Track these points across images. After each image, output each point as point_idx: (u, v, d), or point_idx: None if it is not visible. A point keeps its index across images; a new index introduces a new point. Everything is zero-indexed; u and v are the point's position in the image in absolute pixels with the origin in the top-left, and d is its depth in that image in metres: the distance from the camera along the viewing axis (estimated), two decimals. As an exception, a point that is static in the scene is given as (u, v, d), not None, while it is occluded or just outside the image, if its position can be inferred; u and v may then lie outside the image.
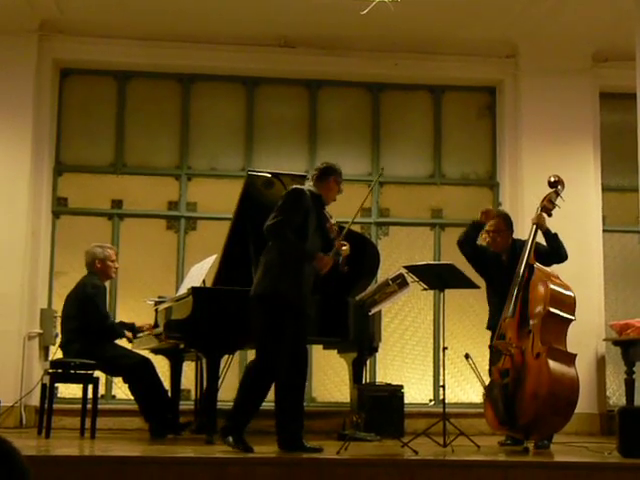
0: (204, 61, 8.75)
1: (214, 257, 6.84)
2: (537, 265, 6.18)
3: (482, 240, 6.76)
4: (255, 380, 5.60)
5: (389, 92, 9.13)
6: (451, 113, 9.16)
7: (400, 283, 6.07)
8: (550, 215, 6.45)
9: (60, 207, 8.66)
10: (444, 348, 6.20)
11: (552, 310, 5.96)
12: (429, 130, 9.13)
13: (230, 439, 5.45)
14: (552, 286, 6.04)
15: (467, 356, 5.96)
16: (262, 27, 8.51)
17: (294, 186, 5.84)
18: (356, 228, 8.13)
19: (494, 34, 8.63)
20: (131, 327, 7.16)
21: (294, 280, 5.57)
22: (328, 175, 5.82)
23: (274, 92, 9.05)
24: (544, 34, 8.50)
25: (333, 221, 5.84)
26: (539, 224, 6.38)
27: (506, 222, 6.69)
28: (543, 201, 6.47)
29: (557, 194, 6.48)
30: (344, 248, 5.70)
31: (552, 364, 5.83)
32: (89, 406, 6.68)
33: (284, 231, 5.54)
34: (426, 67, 8.90)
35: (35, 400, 7.64)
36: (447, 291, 6.36)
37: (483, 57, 8.90)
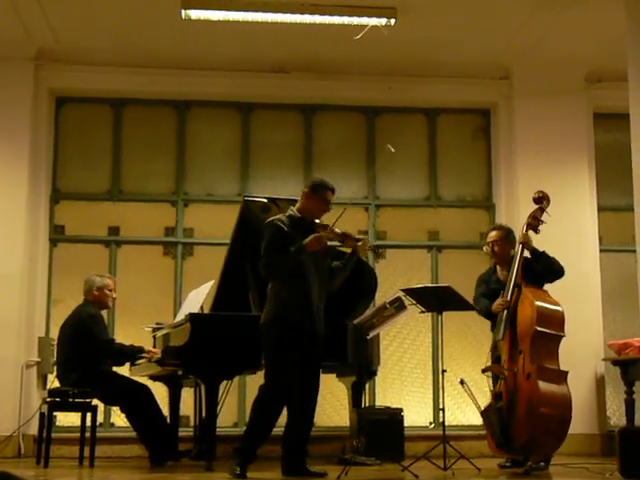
0: (199, 87, 8.78)
1: (212, 283, 6.84)
2: (524, 284, 6.18)
3: (484, 251, 6.79)
4: (260, 405, 5.64)
5: (384, 116, 9.17)
6: (446, 135, 9.19)
7: (398, 306, 6.08)
8: (537, 232, 6.42)
9: (57, 235, 8.66)
10: (443, 371, 6.19)
11: (539, 329, 5.96)
12: (424, 153, 9.16)
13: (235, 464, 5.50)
14: (538, 304, 6.04)
15: (462, 382, 5.95)
16: (256, 53, 8.55)
17: (269, 220, 5.84)
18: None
19: (487, 57, 8.67)
20: (140, 350, 7.09)
21: (301, 307, 5.61)
22: (311, 192, 5.87)
23: (269, 117, 9.07)
24: (537, 56, 8.54)
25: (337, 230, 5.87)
26: (525, 243, 6.35)
27: (506, 234, 6.66)
28: (528, 218, 6.46)
29: (542, 210, 6.46)
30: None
31: (542, 385, 5.83)
32: (88, 434, 6.67)
33: (274, 266, 5.63)
34: (420, 90, 8.94)
35: (33, 429, 7.61)
36: (445, 313, 6.36)
37: (477, 79, 8.93)
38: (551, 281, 6.46)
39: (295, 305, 5.61)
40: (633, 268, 8.90)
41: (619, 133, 8.87)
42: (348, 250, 6.03)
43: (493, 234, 6.70)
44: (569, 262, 6.76)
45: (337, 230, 5.83)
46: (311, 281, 5.68)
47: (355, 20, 7.66)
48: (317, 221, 5.85)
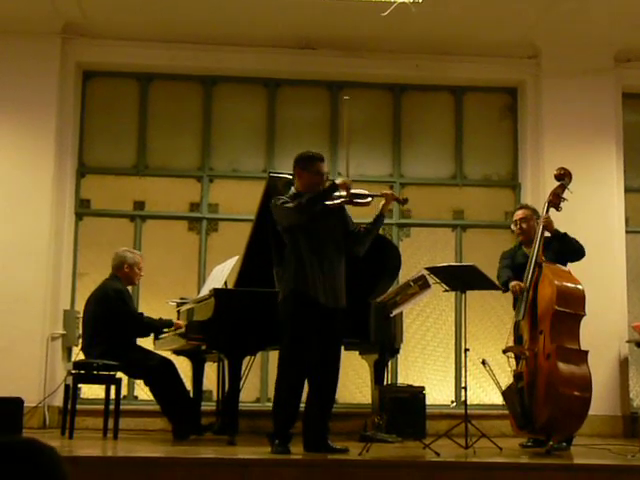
0: (226, 63, 8.77)
1: (236, 258, 6.86)
2: (545, 263, 6.16)
3: (512, 229, 6.79)
4: (279, 382, 5.66)
5: (410, 93, 9.12)
6: (472, 114, 9.14)
7: (422, 285, 6.05)
8: (558, 209, 6.37)
9: (83, 209, 8.71)
10: (466, 349, 6.19)
11: (559, 309, 5.94)
12: (450, 131, 9.12)
13: (273, 442, 5.55)
14: (558, 283, 6.00)
15: (484, 362, 5.95)
16: (283, 29, 8.53)
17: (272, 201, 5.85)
18: (377, 229, 8.12)
19: (515, 35, 8.60)
20: (169, 323, 7.11)
21: (311, 281, 5.61)
22: (301, 169, 5.83)
23: (295, 94, 9.06)
24: (566, 35, 8.46)
25: (344, 195, 5.80)
26: (546, 225, 6.31)
27: (533, 212, 6.66)
28: (550, 195, 6.41)
29: (564, 187, 6.39)
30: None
31: (562, 365, 5.83)
32: (112, 407, 6.72)
33: (298, 207, 5.58)
34: (447, 68, 8.88)
35: (58, 401, 7.70)
36: (468, 292, 6.35)
37: (504, 58, 8.87)
38: (573, 260, 6.44)
39: (304, 280, 5.60)
40: (659, 250, 8.88)
41: (648, 114, 8.80)
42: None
43: (520, 212, 6.69)
44: (595, 243, 6.74)
45: (354, 191, 5.78)
46: (323, 254, 5.67)
47: (383, -3, 7.62)
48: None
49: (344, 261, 5.80)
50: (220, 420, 7.31)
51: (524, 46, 8.82)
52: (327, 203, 5.73)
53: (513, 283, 6.35)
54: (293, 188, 5.90)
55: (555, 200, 6.36)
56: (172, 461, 5.29)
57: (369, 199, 5.82)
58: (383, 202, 5.93)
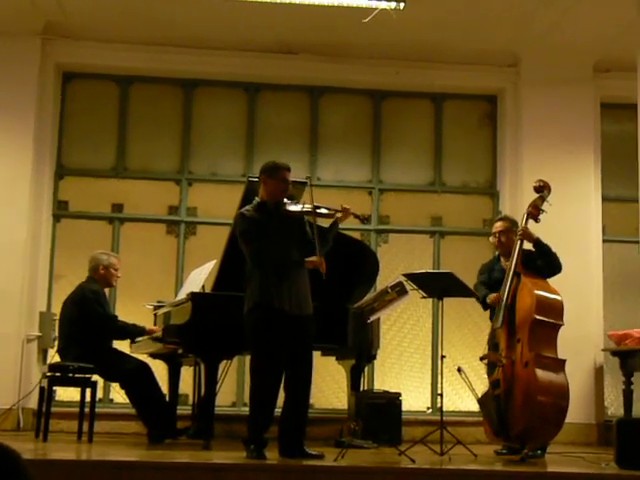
0: (206, 66, 8.76)
1: (214, 262, 6.85)
2: (524, 272, 6.18)
3: (490, 242, 6.79)
4: (251, 390, 5.66)
5: (390, 100, 9.14)
6: (452, 121, 9.17)
7: (399, 291, 6.07)
8: (537, 221, 6.38)
9: (61, 210, 8.66)
10: (442, 356, 6.20)
11: (538, 317, 5.97)
12: (430, 138, 9.14)
13: (248, 447, 5.54)
14: (537, 292, 6.03)
15: (459, 370, 5.95)
16: (264, 33, 8.53)
17: (238, 213, 5.88)
18: (355, 235, 8.13)
19: (496, 43, 8.65)
20: (141, 331, 7.08)
21: (275, 289, 5.62)
22: (267, 176, 5.82)
23: (275, 98, 9.06)
24: (546, 44, 8.51)
25: (307, 207, 5.82)
26: (524, 235, 6.32)
27: (512, 224, 6.65)
28: (529, 207, 6.43)
29: (543, 199, 6.41)
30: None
31: (540, 373, 5.85)
32: (87, 410, 6.68)
33: (263, 258, 5.64)
34: (427, 75, 8.91)
35: (33, 403, 7.65)
36: (446, 299, 6.36)
37: (484, 66, 8.91)
38: (549, 276, 6.42)
39: (267, 291, 5.60)
40: (636, 259, 8.94)
41: (626, 123, 8.85)
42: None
43: (499, 225, 6.68)
44: (572, 251, 6.77)
45: (307, 207, 5.80)
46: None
47: (364, 3, 7.63)
48: (285, 201, 5.81)
49: (306, 269, 5.80)
50: (196, 424, 7.29)
51: (504, 54, 8.87)
52: (289, 209, 5.77)
53: (491, 297, 6.36)
54: (257, 197, 5.89)
55: (534, 212, 6.38)
56: (147, 465, 5.26)
57: (331, 212, 5.87)
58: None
